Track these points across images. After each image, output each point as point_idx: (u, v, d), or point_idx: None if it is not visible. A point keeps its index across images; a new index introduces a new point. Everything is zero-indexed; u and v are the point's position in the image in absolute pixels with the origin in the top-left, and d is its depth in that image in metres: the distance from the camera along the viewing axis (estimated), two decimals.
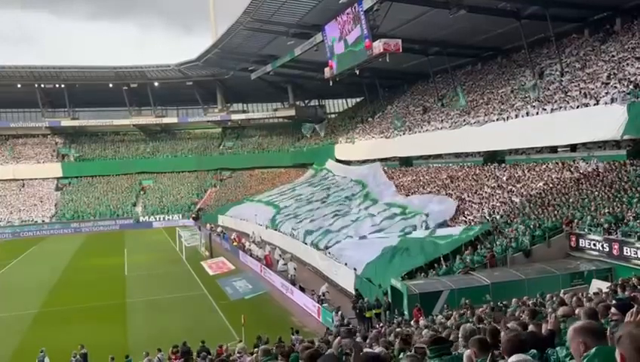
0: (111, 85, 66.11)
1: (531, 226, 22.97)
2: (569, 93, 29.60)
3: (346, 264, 26.00)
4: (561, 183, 26.24)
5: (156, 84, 67.66)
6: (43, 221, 59.40)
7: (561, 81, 31.94)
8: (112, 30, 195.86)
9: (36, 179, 64.98)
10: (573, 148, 28.86)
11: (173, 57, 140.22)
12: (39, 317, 24.60)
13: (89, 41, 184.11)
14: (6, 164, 64.96)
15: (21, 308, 26.29)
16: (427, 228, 28.10)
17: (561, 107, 28.73)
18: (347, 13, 37.77)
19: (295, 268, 28.84)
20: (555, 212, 23.47)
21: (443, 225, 28.19)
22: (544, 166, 29.43)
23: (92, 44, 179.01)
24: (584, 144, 27.79)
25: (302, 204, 42.49)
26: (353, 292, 23.89)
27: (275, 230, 38.81)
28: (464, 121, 37.09)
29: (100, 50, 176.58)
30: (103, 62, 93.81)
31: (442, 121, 40.48)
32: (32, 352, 17.84)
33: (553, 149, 30.25)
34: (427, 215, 29.56)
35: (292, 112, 70.19)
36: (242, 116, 72.90)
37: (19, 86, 63.78)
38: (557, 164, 28.71)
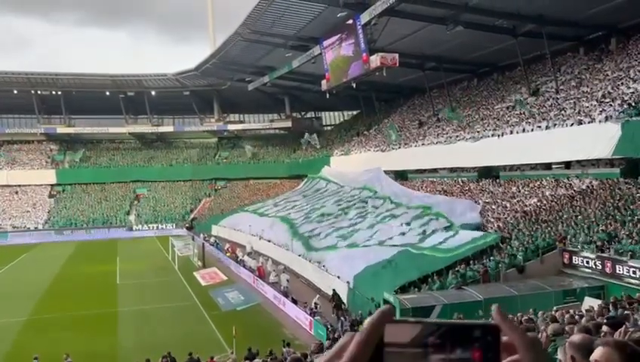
0: (108, 93, 66.14)
1: (525, 242, 23.01)
2: (564, 111, 29.85)
3: (338, 277, 25.92)
4: (555, 200, 26.35)
5: (153, 92, 67.73)
6: (35, 228, 59.05)
7: (557, 98, 32.21)
8: (104, 38, 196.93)
9: (30, 185, 64.67)
10: (568, 165, 29.04)
11: (164, 66, 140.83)
12: (29, 325, 24.33)
13: (80, 48, 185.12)
14: (0, 169, 64.65)
15: (11, 315, 26.01)
16: (450, 229, 27.76)
17: (555, 124, 28.97)
18: (345, 27, 38.07)
19: (288, 280, 28.72)
20: (549, 228, 23.53)
21: (467, 227, 27.50)
22: (538, 182, 29.56)
23: (83, 51, 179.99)
24: (578, 161, 27.98)
25: (314, 216, 40.79)
26: (346, 305, 23.82)
27: (309, 248, 33.44)
28: (459, 136, 37.27)
29: (91, 58, 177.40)
30: (95, 70, 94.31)
31: (438, 135, 40.66)
32: (21, 360, 17.62)
33: (547, 166, 30.43)
34: (447, 218, 29.36)
35: (288, 124, 70.37)
36: (239, 126, 73.00)
37: (15, 92, 63.70)
38: (551, 180, 28.85)
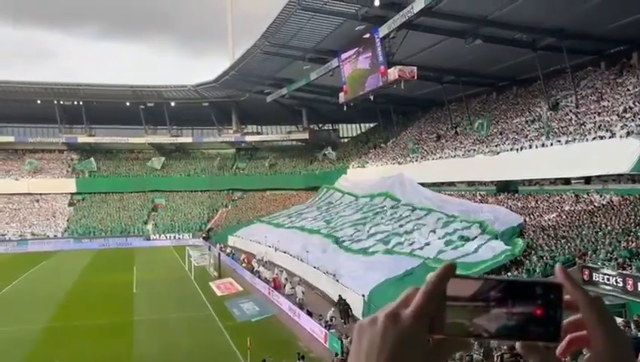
0: (128, 104, 67.05)
1: (545, 257, 22.69)
2: (584, 126, 29.51)
3: (353, 290, 25.77)
4: (575, 215, 25.97)
5: (172, 103, 68.53)
6: (55, 236, 59.83)
7: (577, 113, 31.88)
8: (123, 50, 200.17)
9: (50, 193, 65.62)
10: (588, 180, 28.64)
11: (181, 78, 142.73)
12: (47, 332, 24.59)
13: (100, 59, 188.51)
14: (22, 178, 65.75)
15: (29, 322, 26.30)
16: (494, 234, 27.36)
17: (575, 139, 28.63)
18: (362, 41, 38.23)
19: (303, 292, 28.65)
20: (568, 244, 23.19)
21: (507, 234, 26.92)
22: (558, 197, 29.18)
23: (103, 63, 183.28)
24: (599, 176, 27.58)
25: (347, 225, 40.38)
26: (361, 318, 23.62)
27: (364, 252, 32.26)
28: (477, 149, 37.02)
29: (111, 69, 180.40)
30: (114, 81, 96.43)
31: (456, 148, 40.44)
32: None
33: (567, 181, 30.04)
34: (481, 223, 29.07)
35: (306, 135, 70.59)
36: (256, 138, 73.43)
37: (38, 102, 64.90)
38: (571, 196, 28.46)
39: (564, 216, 26.48)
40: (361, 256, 30.75)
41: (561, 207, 27.89)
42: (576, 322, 0.78)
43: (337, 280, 28.19)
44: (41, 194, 65.20)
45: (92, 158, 68.40)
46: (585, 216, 25.29)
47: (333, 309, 24.78)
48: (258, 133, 74.96)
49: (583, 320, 0.77)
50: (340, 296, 25.11)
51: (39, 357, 19.81)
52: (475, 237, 28.12)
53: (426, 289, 0.76)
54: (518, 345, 0.76)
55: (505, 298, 0.74)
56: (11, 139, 69.10)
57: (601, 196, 26.47)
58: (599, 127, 27.97)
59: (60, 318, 27.06)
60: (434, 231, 30.96)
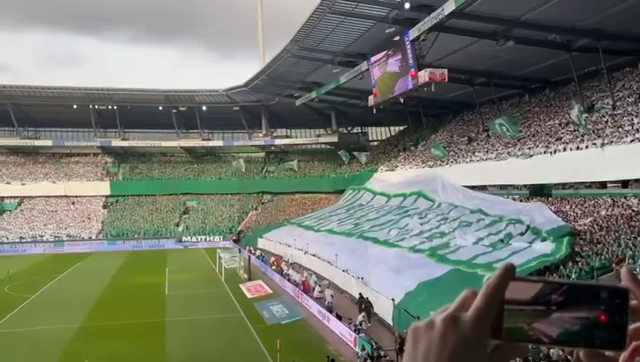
0: (161, 108, 68.21)
1: (580, 263, 22.17)
2: (621, 128, 28.75)
3: (383, 295, 25.60)
4: (611, 220, 25.31)
5: (204, 107, 69.45)
6: (89, 237, 61.22)
7: (613, 115, 31.08)
8: (153, 54, 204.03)
9: (85, 196, 67.23)
10: (625, 184, 27.88)
11: (210, 81, 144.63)
12: (81, 332, 25.16)
13: (130, 63, 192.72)
14: (59, 181, 67.50)
15: (65, 321, 26.98)
16: (531, 233, 27.04)
17: (612, 141, 27.91)
18: (392, 43, 38.06)
19: (332, 295, 28.61)
20: (605, 250, 22.61)
21: (554, 233, 26.11)
22: (593, 201, 28.49)
23: (133, 67, 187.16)
24: (637, 180, 26.82)
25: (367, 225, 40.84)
26: (391, 323, 23.51)
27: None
28: (510, 152, 36.44)
29: (141, 73, 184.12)
30: (143, 85, 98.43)
31: (487, 151, 39.88)
32: None
33: (603, 185, 29.31)
34: (525, 223, 28.63)
35: (335, 139, 70.60)
36: (285, 141, 73.80)
37: (74, 106, 66.55)
38: (607, 200, 27.75)
39: (600, 221, 25.83)
40: (396, 251, 30.69)
41: (597, 211, 27.21)
42: None
43: (366, 284, 28.08)
44: (76, 196, 66.84)
45: (127, 166, 70.08)
46: (622, 221, 24.61)
47: (363, 314, 24.67)
48: (287, 137, 75.32)
49: None
50: (360, 293, 25.59)
51: (74, 356, 20.27)
52: (520, 236, 27.62)
53: (486, 291, 0.73)
54: (581, 352, 0.72)
55: (567, 302, 0.71)
56: (49, 143, 71.12)
57: (639, 200, 25.73)
58: (637, 130, 27.22)
59: (94, 318, 27.67)
60: (478, 231, 30.55)
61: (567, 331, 0.70)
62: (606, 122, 30.78)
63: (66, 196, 66.55)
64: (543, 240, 26.16)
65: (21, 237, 59.51)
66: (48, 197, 66.06)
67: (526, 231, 28.11)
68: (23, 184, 66.02)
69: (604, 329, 0.69)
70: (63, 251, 56.72)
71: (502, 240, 28.14)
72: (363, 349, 20.28)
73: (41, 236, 60.20)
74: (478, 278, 23.26)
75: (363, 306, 24.98)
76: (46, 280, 38.51)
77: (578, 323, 0.70)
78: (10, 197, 65.51)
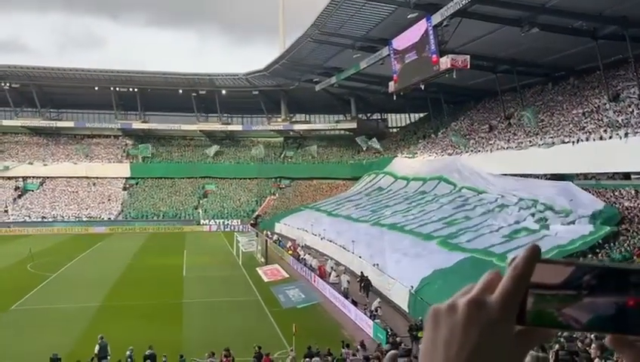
0: (181, 91, 68.54)
1: (600, 254, 21.88)
2: None
3: (399, 281, 25.59)
4: (634, 211, 24.88)
5: (224, 91, 69.60)
6: (109, 218, 62.09)
7: (639, 104, 30.41)
8: (171, 37, 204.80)
9: (106, 178, 68.02)
10: None
11: (228, 65, 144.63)
12: (101, 311, 25.61)
13: (148, 46, 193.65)
14: (80, 162, 68.41)
15: (85, 300, 27.48)
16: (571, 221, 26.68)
17: (636, 132, 27.34)
18: (415, 28, 37.58)
19: (348, 281, 28.68)
20: (628, 242, 22.26)
21: (594, 217, 25.59)
22: (616, 192, 28.01)
23: (151, 50, 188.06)
24: None
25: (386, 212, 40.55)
26: (407, 310, 23.52)
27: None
28: (531, 141, 35.94)
29: (159, 56, 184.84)
30: (161, 68, 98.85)
31: (509, 140, 39.39)
32: (93, 341, 18.53)
33: (626, 176, 28.78)
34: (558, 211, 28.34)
35: (354, 125, 70.31)
36: (304, 127, 73.70)
37: (96, 88, 67.18)
38: (630, 191, 27.26)
39: (624, 212, 25.40)
40: (413, 238, 30.81)
41: (620, 202, 26.76)
42: None
43: (382, 271, 28.08)
44: (97, 178, 67.67)
45: (149, 145, 70.35)
46: None
47: (379, 300, 24.71)
48: (306, 122, 75.20)
49: None
50: (362, 272, 27.61)
51: (93, 334, 20.62)
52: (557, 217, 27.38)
53: (513, 273, 0.69)
54: (608, 338, 0.70)
55: (599, 286, 0.68)
56: (71, 124, 72.03)
57: None
58: None
59: (114, 298, 28.13)
60: (509, 214, 30.43)
61: (600, 317, 0.68)
62: (631, 112, 30.14)
63: (87, 177, 67.42)
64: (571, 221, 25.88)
65: (43, 217, 60.59)
66: (70, 178, 67.00)
67: (558, 214, 27.69)
68: (45, 165, 67.05)
69: (633, 314, 0.67)
70: (83, 232, 57.64)
71: (539, 220, 27.83)
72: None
73: (62, 216, 61.21)
74: (494, 267, 23.05)
75: (362, 284, 27.41)
76: (67, 259, 39.20)
77: (608, 308, 0.67)
78: (33, 177, 66.60)
